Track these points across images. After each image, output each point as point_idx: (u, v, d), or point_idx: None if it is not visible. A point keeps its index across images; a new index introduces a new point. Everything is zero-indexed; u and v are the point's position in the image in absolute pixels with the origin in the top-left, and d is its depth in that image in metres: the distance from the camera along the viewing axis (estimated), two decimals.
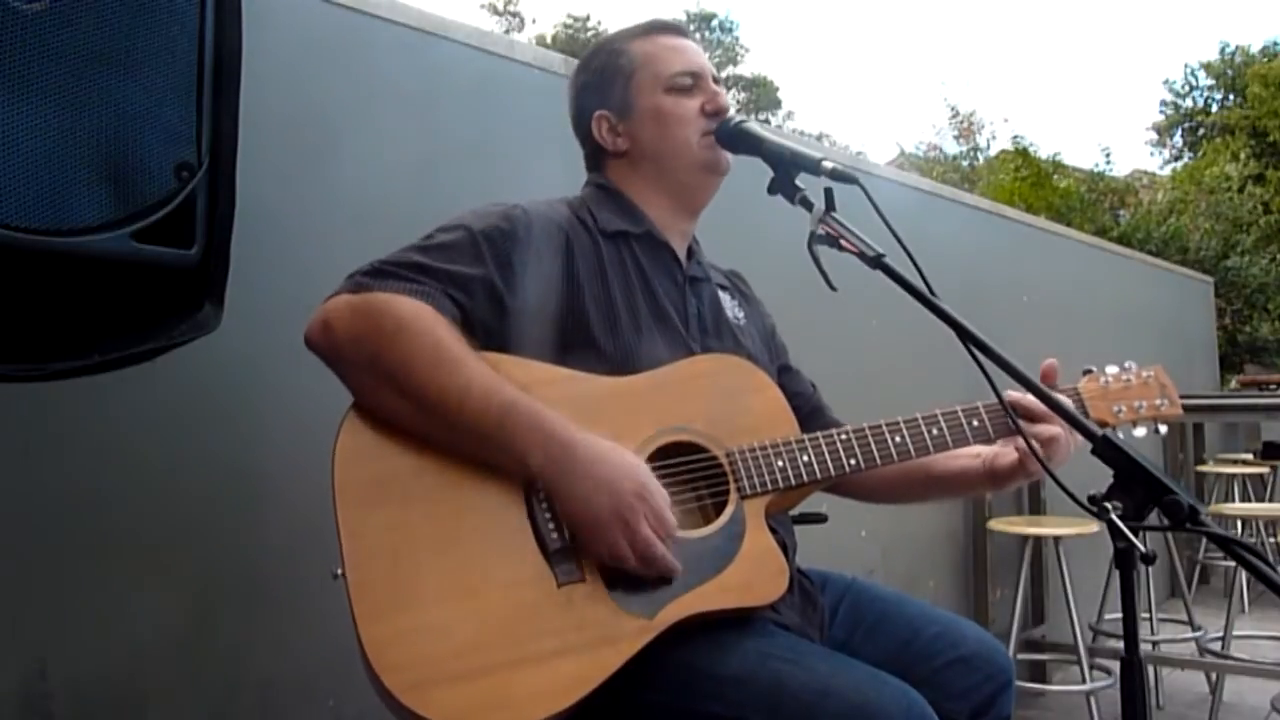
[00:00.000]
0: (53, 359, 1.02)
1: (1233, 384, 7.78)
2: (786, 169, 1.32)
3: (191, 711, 1.46)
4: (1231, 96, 18.86)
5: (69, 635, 1.34)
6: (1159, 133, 20.52)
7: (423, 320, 1.18)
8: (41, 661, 1.31)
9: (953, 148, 23.22)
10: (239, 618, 1.52)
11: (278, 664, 1.56)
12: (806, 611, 1.38)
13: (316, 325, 1.20)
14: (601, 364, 1.30)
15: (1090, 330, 4.51)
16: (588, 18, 27.04)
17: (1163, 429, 1.49)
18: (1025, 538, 3.25)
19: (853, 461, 1.33)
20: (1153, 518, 1.01)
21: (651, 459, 1.25)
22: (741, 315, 1.54)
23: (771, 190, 1.34)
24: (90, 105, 0.94)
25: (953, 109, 25.35)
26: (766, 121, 16.31)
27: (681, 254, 1.47)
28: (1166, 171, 19.43)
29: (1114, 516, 0.99)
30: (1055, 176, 16.01)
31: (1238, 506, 4.31)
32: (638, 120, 1.44)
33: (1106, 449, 1.04)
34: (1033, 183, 15.35)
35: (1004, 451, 1.42)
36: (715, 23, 28.48)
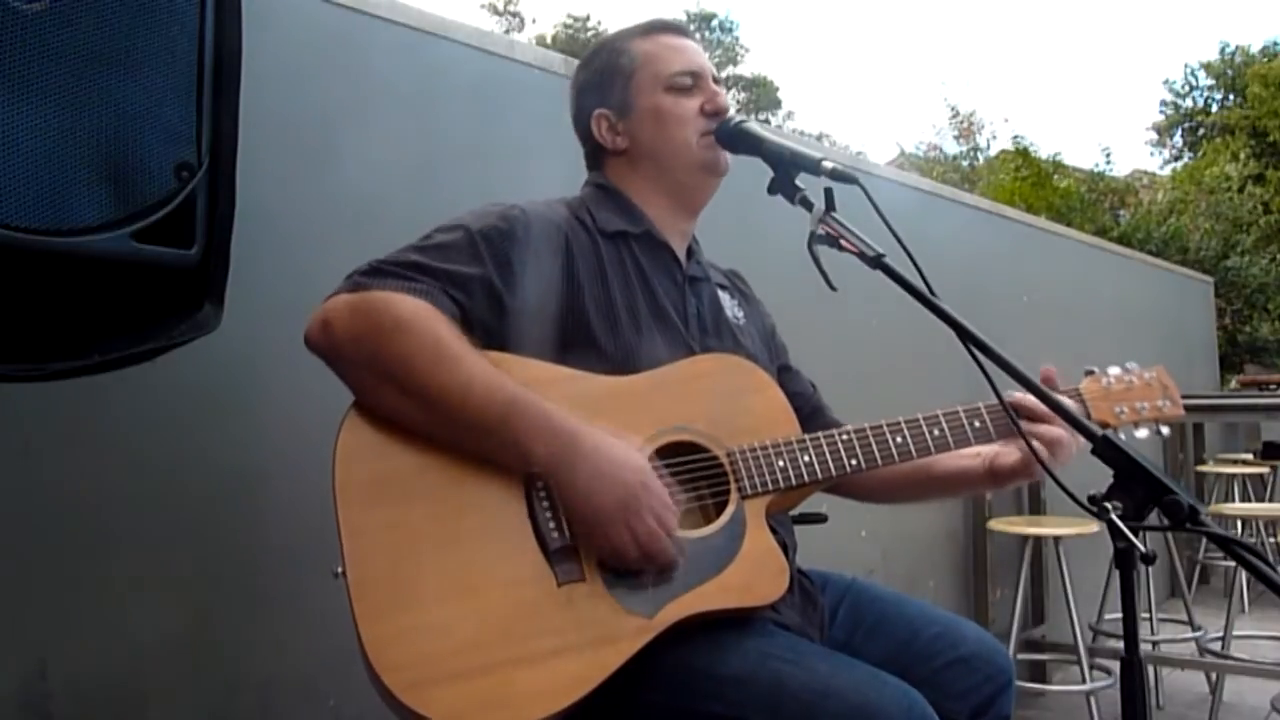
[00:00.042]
0: (53, 359, 1.02)
1: (1233, 384, 7.78)
2: (786, 169, 1.32)
3: (191, 711, 1.46)
4: (1231, 96, 18.86)
5: (69, 635, 1.34)
6: (1159, 133, 20.54)
7: (422, 317, 1.18)
8: (41, 661, 1.31)
9: (953, 148, 23.24)
10: (239, 618, 1.52)
11: (278, 664, 1.56)
12: (807, 611, 1.38)
13: (316, 325, 1.20)
14: (602, 364, 1.30)
15: (1090, 330, 4.51)
16: (588, 18, 27.07)
17: (1165, 430, 1.49)
18: (1025, 538, 3.25)
19: (854, 462, 1.33)
20: (1153, 518, 1.01)
21: (652, 458, 1.25)
22: (741, 315, 1.54)
23: (771, 190, 1.34)
24: (90, 105, 0.94)
25: (953, 109, 25.37)
26: (766, 121, 16.30)
27: (681, 254, 1.47)
28: (1166, 171, 19.45)
29: (1114, 516, 0.99)
30: (1055, 176, 16.01)
31: (1238, 506, 4.31)
32: (637, 119, 1.44)
33: (1106, 449, 1.04)
34: (1033, 183, 15.36)
35: (1005, 451, 1.42)
36: (715, 23, 28.49)
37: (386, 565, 1.12)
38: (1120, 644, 1.02)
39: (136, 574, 1.42)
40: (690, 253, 1.51)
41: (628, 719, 1.19)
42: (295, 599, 1.55)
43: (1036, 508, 3.74)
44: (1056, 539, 3.17)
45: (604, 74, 1.47)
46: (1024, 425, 1.30)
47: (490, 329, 1.26)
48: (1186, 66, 25.15)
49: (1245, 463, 5.30)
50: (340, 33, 1.72)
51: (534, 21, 32.96)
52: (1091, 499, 1.01)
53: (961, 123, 23.09)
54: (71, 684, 1.33)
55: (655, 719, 1.19)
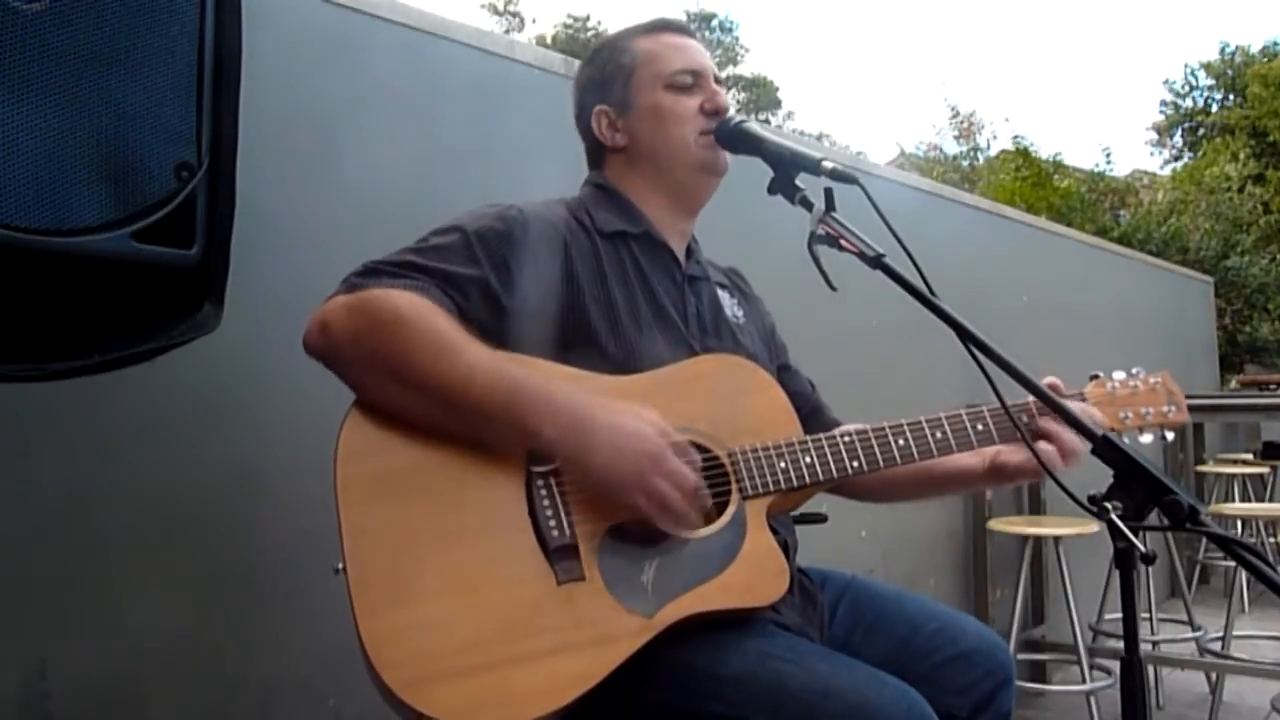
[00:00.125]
0: (52, 359, 1.02)
1: (1233, 384, 7.79)
2: (786, 169, 1.32)
3: (191, 711, 1.46)
4: (1231, 96, 18.87)
5: (69, 635, 1.34)
6: (1159, 133, 20.54)
7: (420, 311, 1.18)
8: (41, 662, 1.31)
9: (953, 148, 23.23)
10: (239, 618, 1.52)
11: (278, 664, 1.56)
12: (807, 611, 1.38)
13: (314, 328, 1.20)
14: (604, 364, 1.30)
15: (1090, 330, 4.51)
16: (588, 18, 27.07)
17: (1169, 435, 1.49)
18: (1025, 538, 3.25)
19: (855, 464, 1.33)
20: (1153, 518, 1.01)
21: None
22: (741, 314, 1.54)
23: (771, 190, 1.34)
24: (90, 105, 0.94)
25: (953, 109, 25.37)
26: (766, 121, 16.30)
27: (680, 253, 1.47)
28: (1166, 171, 19.45)
29: (1114, 516, 0.99)
30: (1055, 176, 16.00)
31: (1238, 506, 4.31)
32: (636, 117, 1.44)
33: (1106, 449, 1.04)
34: (1033, 183, 15.35)
35: (1007, 449, 1.41)
36: (715, 23, 28.52)
37: (387, 563, 1.12)
38: (1120, 644, 1.02)
39: (136, 574, 1.42)
40: (689, 252, 1.51)
41: (627, 718, 1.19)
42: (295, 599, 1.55)
43: (1036, 508, 3.74)
44: (1056, 539, 3.17)
45: (605, 71, 1.47)
46: (1027, 432, 1.30)
47: (488, 330, 1.25)
48: (1186, 66, 25.18)
49: (1245, 463, 5.30)
50: (340, 33, 1.72)
51: (534, 21, 32.97)
52: (1091, 499, 1.01)
53: (961, 123, 23.10)
54: (71, 684, 1.33)
55: (655, 718, 1.19)
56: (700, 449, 1.29)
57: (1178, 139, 20.02)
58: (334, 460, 1.15)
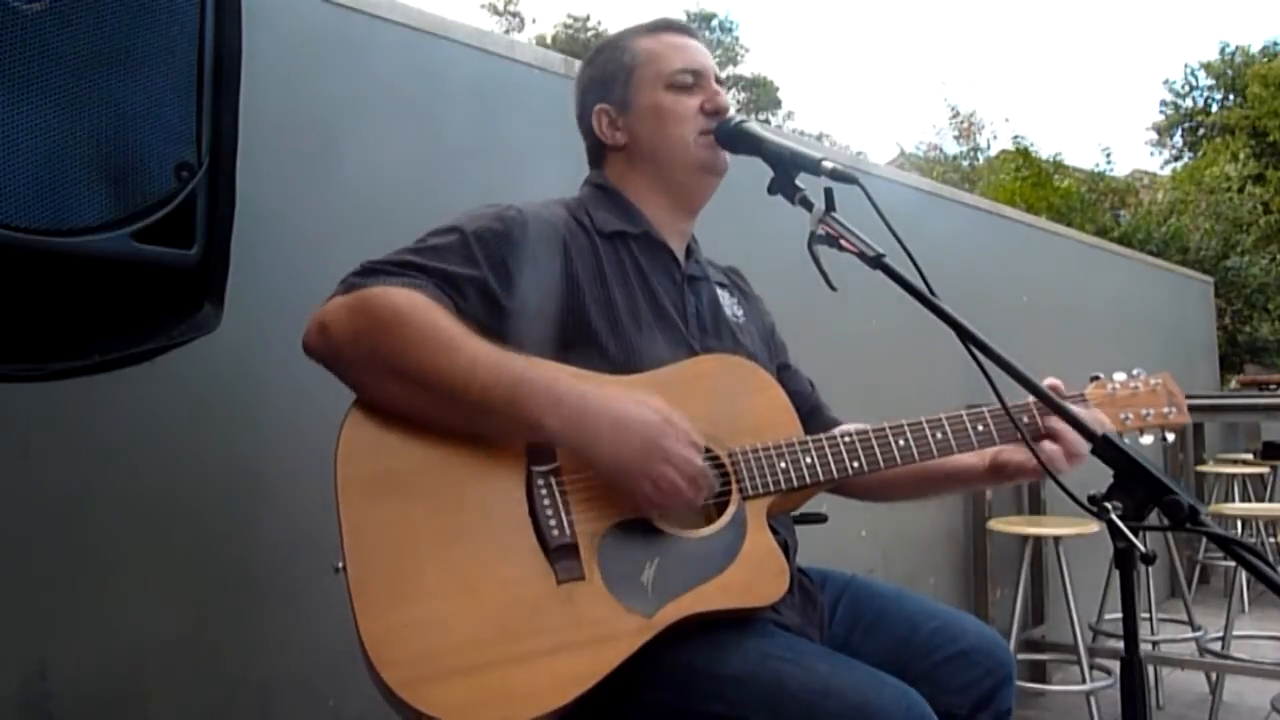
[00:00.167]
0: (53, 359, 1.02)
1: (1233, 384, 7.79)
2: (786, 169, 1.32)
3: (191, 711, 1.46)
4: (1231, 96, 18.87)
5: (69, 635, 1.34)
6: (1159, 133, 20.54)
7: (419, 307, 1.18)
8: (41, 662, 1.31)
9: (953, 148, 23.23)
10: (238, 618, 1.52)
11: (277, 664, 1.56)
12: (807, 611, 1.38)
13: (313, 330, 1.19)
14: (604, 364, 1.30)
15: (1090, 330, 4.51)
16: (588, 18, 27.08)
17: (1170, 436, 1.48)
18: (1025, 538, 3.25)
19: (856, 465, 1.33)
20: (1153, 518, 1.01)
21: None
22: (740, 313, 1.54)
23: (771, 190, 1.34)
24: (90, 105, 0.94)
25: (953, 109, 25.37)
26: (766, 121, 16.30)
27: (680, 253, 1.47)
28: (1166, 171, 19.45)
29: (1114, 516, 0.99)
30: (1056, 176, 16.00)
31: (1238, 506, 4.31)
32: (636, 116, 1.44)
33: (1106, 449, 1.04)
34: (1033, 183, 15.35)
35: (1007, 448, 1.41)
36: (715, 23, 28.53)
37: (387, 562, 1.12)
38: (1120, 644, 1.02)
39: (136, 574, 1.42)
40: (689, 252, 1.51)
41: (627, 718, 1.19)
42: (294, 599, 1.55)
43: (1036, 508, 3.74)
44: (1056, 539, 3.17)
45: (607, 70, 1.47)
46: (1027, 433, 1.30)
47: (487, 330, 1.25)
48: (1186, 66, 25.19)
49: (1245, 463, 5.30)
50: (340, 33, 1.72)
51: (534, 21, 32.99)
52: (1091, 499, 1.01)
53: (961, 123, 23.10)
54: (71, 684, 1.33)
55: (655, 718, 1.19)
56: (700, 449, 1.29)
57: (1178, 139, 20.02)
58: (334, 460, 1.15)
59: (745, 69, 28.95)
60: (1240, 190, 15.12)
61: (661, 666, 1.17)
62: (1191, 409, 1.53)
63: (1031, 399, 1.28)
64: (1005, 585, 3.49)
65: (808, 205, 1.27)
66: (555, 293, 1.31)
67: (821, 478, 1.32)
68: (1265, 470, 5.10)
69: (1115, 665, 2.05)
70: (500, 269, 1.27)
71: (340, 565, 1.11)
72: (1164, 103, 20.19)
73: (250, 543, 1.54)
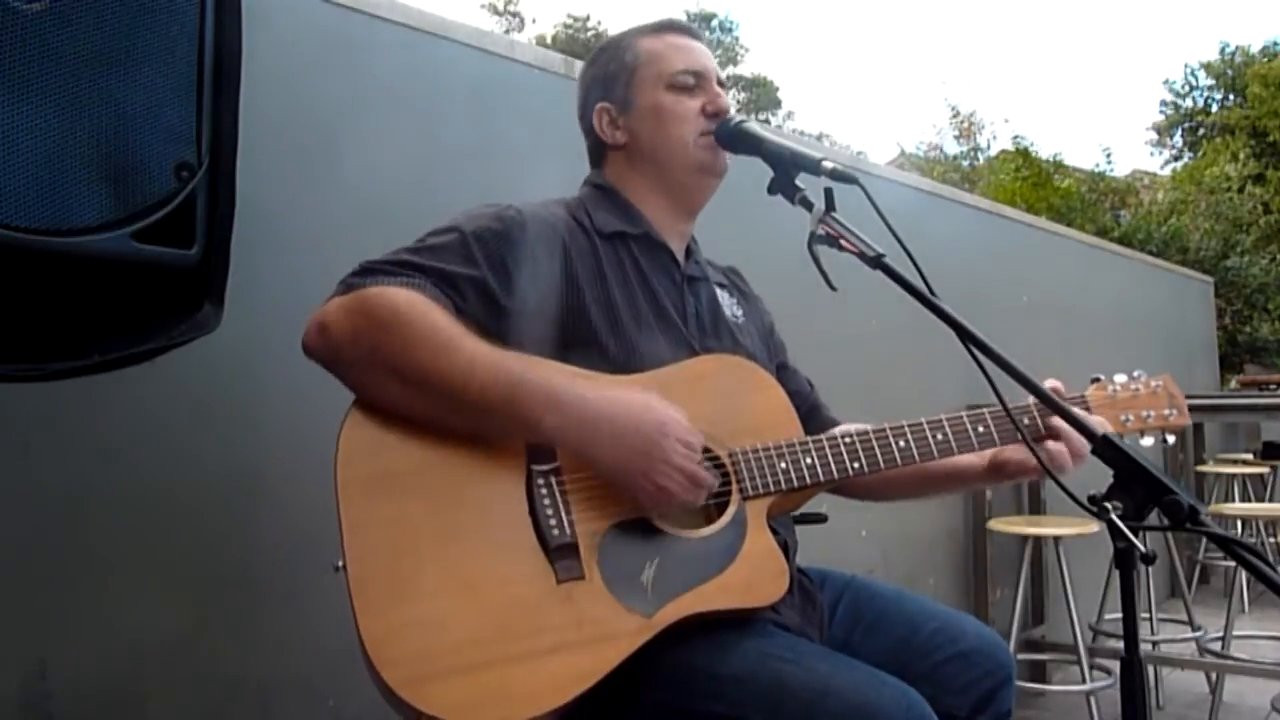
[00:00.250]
0: (53, 359, 1.02)
1: (1233, 384, 7.78)
2: (786, 169, 1.32)
3: (191, 711, 1.46)
4: (1231, 96, 18.86)
5: (69, 635, 1.34)
6: (1159, 133, 20.53)
7: (418, 307, 1.18)
8: (41, 662, 1.31)
9: (953, 148, 23.24)
10: (238, 618, 1.52)
11: (277, 664, 1.56)
12: (806, 611, 1.38)
13: (313, 330, 1.20)
14: (604, 363, 1.30)
15: (1090, 330, 4.51)
16: (588, 18, 27.08)
17: (1170, 438, 1.49)
18: (1025, 538, 3.25)
19: (856, 465, 1.33)
20: (1153, 518, 1.01)
21: None
22: (740, 313, 1.54)
23: (771, 190, 1.34)
24: (90, 105, 0.94)
25: (953, 109, 25.37)
26: (766, 121, 16.30)
27: (679, 254, 1.47)
28: (1167, 171, 19.45)
29: (1114, 516, 0.99)
30: (1056, 176, 15.99)
31: (1238, 506, 4.31)
32: (637, 115, 1.44)
33: (1106, 449, 1.04)
34: (1033, 183, 15.34)
35: (1006, 447, 1.42)
36: (715, 23, 28.53)
37: (387, 561, 1.12)
38: (1120, 644, 1.02)
39: (136, 574, 1.42)
40: (689, 252, 1.51)
41: (627, 718, 1.19)
42: (294, 599, 1.55)
43: (1036, 508, 3.74)
44: (1056, 539, 3.17)
45: (609, 69, 1.47)
46: (1029, 435, 1.30)
47: (486, 330, 1.25)
48: (1186, 66, 25.17)
49: (1245, 463, 5.30)
50: (340, 33, 1.72)
51: (534, 21, 32.99)
52: (1091, 499, 1.01)
53: (962, 123, 23.10)
54: (71, 684, 1.33)
55: (655, 718, 1.19)
56: (700, 449, 1.29)
57: (1178, 139, 20.01)
58: (334, 460, 1.15)
59: (745, 69, 28.99)
60: (1240, 190, 15.12)
61: (661, 666, 1.17)
62: (1191, 409, 1.53)
63: (1032, 400, 1.28)
64: (1005, 585, 3.49)
65: (808, 205, 1.27)
66: (555, 292, 1.31)
67: (822, 478, 1.32)
68: (1265, 470, 5.10)
69: (1115, 665, 2.05)
70: (499, 269, 1.27)
71: (340, 564, 1.11)
72: (1164, 103, 20.20)
73: (250, 543, 1.54)
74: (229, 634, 1.50)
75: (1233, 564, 1.91)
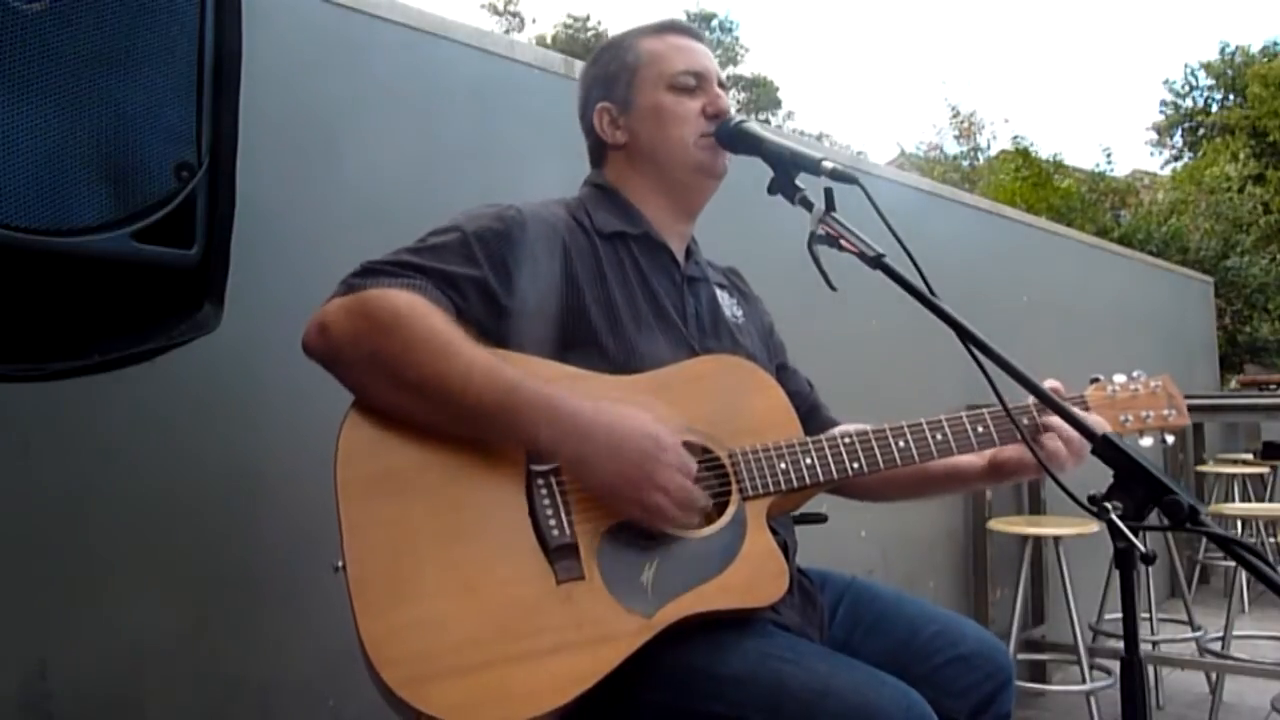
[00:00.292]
0: (53, 359, 1.02)
1: (1233, 384, 7.79)
2: (786, 169, 1.32)
3: (191, 711, 1.46)
4: (1231, 96, 18.86)
5: (69, 635, 1.34)
6: (1159, 133, 20.53)
7: (418, 311, 1.18)
8: (41, 662, 1.31)
9: (953, 148, 23.25)
10: (238, 618, 1.52)
11: (277, 664, 1.56)
12: (806, 611, 1.38)
13: (313, 330, 1.20)
14: (604, 364, 1.30)
15: (1090, 331, 4.51)
16: (588, 18, 27.09)
17: (1169, 439, 1.48)
18: (1025, 538, 3.25)
19: (856, 465, 1.33)
20: (1153, 518, 1.01)
21: None
22: (740, 314, 1.54)
23: (771, 190, 1.34)
24: (90, 105, 0.94)
25: (953, 109, 25.38)
26: (766, 121, 16.30)
27: (679, 254, 1.47)
28: (1167, 171, 19.45)
29: (1114, 516, 0.99)
30: (1056, 176, 16.00)
31: (1238, 506, 4.31)
32: (637, 115, 1.44)
33: (1106, 449, 1.04)
34: (1033, 183, 15.35)
35: (1005, 447, 1.41)
36: (715, 23, 28.53)
37: (386, 561, 1.12)
38: (1120, 644, 1.02)
39: (136, 574, 1.42)
40: (689, 253, 1.51)
41: (627, 719, 1.19)
42: (294, 599, 1.55)
43: (1036, 508, 3.74)
44: (1056, 539, 3.16)
45: (610, 69, 1.48)
46: (1027, 431, 1.30)
47: (486, 330, 1.26)
48: (1186, 66, 25.18)
49: (1245, 463, 5.30)
50: (340, 33, 1.72)
51: (534, 21, 32.99)
52: (1091, 499, 1.01)
53: (962, 123, 23.11)
54: (71, 684, 1.33)
55: (655, 719, 1.19)
56: (700, 449, 1.29)
57: (1178, 139, 20.02)
58: (334, 460, 1.15)
59: (745, 69, 28.99)
60: (1240, 190, 15.12)
61: (661, 666, 1.17)
62: (1191, 409, 1.53)
63: (1031, 399, 1.28)
64: (1005, 585, 3.49)
65: (808, 205, 1.27)
66: (555, 292, 1.31)
67: (821, 478, 1.32)
68: (1265, 470, 5.10)
69: (1115, 665, 2.05)
70: (500, 269, 1.27)
71: (340, 564, 1.11)
72: (1164, 103, 20.20)
73: (250, 543, 1.54)
74: (229, 634, 1.50)
75: (1233, 564, 1.91)
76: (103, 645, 1.37)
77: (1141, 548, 0.98)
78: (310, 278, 1.32)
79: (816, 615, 1.40)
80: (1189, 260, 11.81)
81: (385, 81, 1.78)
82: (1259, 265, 13.65)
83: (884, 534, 3.02)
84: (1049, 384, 1.31)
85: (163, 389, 1.41)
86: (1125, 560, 0.99)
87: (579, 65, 2.04)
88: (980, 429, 1.38)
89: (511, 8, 27.58)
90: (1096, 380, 1.48)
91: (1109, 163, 23.95)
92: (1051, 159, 16.85)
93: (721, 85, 1.47)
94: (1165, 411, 1.47)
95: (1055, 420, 1.35)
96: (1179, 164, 19.18)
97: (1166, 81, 23.96)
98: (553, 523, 1.18)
